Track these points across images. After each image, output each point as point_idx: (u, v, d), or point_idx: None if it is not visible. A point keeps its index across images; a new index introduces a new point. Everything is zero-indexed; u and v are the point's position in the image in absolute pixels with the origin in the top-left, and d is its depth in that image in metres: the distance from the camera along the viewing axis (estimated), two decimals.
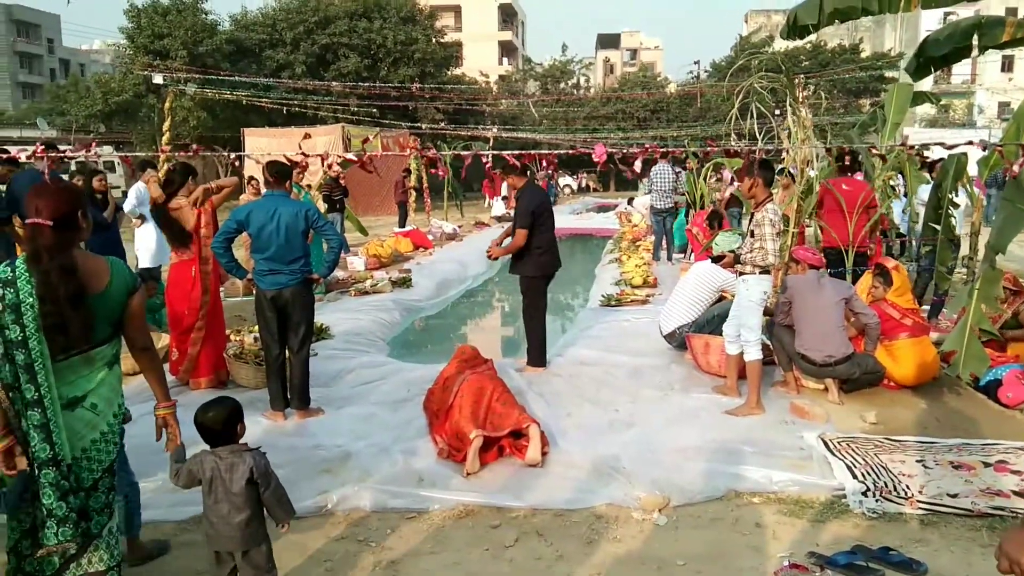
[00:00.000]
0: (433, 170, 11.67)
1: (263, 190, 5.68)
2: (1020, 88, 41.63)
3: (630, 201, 21.78)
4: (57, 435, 2.49)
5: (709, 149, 4.91)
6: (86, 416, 2.61)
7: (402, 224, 17.70)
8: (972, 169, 6.44)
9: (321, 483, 4.16)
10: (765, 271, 5.17)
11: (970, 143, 4.01)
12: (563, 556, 3.46)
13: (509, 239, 6.34)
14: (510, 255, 6.32)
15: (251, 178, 11.60)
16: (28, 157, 3.85)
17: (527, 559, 3.44)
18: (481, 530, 3.72)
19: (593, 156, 3.83)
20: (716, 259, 6.88)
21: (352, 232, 14.99)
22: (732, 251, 6.17)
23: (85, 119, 31.67)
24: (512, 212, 6.65)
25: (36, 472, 2.49)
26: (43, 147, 5.25)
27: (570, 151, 4.35)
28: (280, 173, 5.25)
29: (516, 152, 4.64)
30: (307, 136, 11.34)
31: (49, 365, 2.50)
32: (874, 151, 5.89)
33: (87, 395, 2.61)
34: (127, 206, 8.17)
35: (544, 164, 6.04)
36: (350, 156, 4.82)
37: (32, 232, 2.54)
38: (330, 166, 4.78)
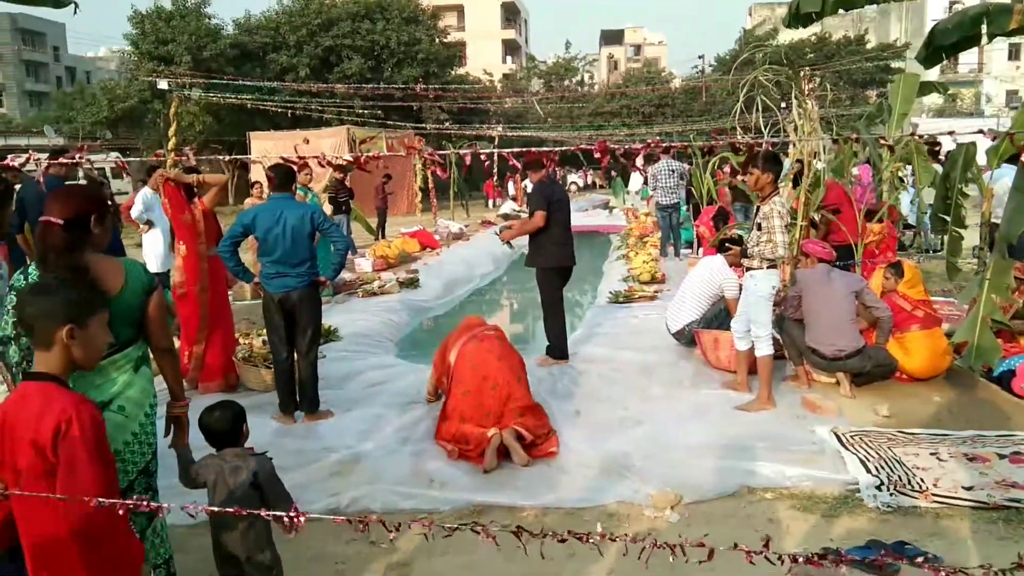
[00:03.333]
0: (435, 167, 11.59)
1: (267, 193, 5.67)
2: None
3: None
4: None
5: (713, 142, 4.86)
6: (115, 419, 2.61)
7: (380, 230, 16.34)
8: (981, 158, 6.37)
9: (331, 485, 4.16)
10: (773, 265, 5.12)
11: (980, 132, 3.95)
12: (575, 555, 3.43)
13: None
14: (527, 245, 6.40)
15: (256, 182, 11.60)
16: (21, 165, 3.81)
17: (539, 559, 3.42)
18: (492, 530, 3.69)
19: (594, 153, 3.79)
20: (722, 248, 6.81)
21: (362, 233, 14.98)
22: (740, 235, 6.08)
23: (92, 126, 31.81)
24: (523, 208, 6.72)
25: None
26: (49, 155, 5.26)
27: (570, 149, 4.34)
28: (284, 176, 5.25)
29: (516, 151, 4.60)
30: (306, 141, 11.27)
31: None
32: (883, 142, 5.83)
33: (114, 399, 2.62)
34: (134, 212, 8.17)
35: (544, 162, 6.04)
36: (347, 157, 4.79)
37: (42, 231, 2.51)
38: (329, 162, 4.76)
